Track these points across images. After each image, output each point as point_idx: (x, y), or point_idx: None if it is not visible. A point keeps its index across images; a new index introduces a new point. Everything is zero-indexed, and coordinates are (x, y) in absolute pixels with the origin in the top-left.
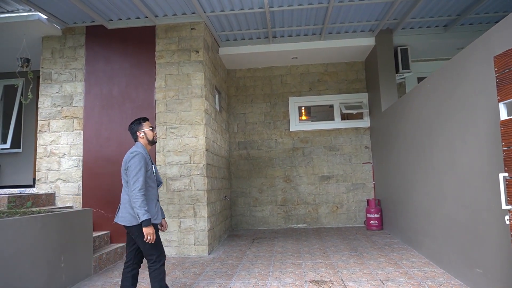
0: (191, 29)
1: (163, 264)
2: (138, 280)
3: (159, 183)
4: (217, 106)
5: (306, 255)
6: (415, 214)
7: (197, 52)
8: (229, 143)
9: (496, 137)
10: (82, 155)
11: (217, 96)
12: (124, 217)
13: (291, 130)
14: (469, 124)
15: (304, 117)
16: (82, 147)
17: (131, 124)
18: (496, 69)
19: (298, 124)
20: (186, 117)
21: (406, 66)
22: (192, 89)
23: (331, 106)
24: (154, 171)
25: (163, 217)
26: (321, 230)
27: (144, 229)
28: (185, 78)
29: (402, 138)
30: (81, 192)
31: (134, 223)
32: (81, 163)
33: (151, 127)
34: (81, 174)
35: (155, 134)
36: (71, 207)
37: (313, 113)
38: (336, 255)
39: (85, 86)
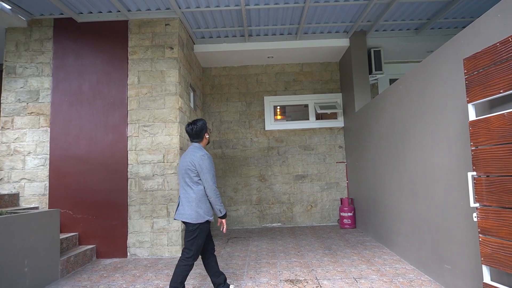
0: (166, 25)
1: (193, 264)
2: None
3: None
4: (192, 104)
5: (281, 255)
6: (387, 212)
7: (172, 48)
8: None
9: (465, 138)
10: (49, 153)
11: (192, 94)
12: (190, 215)
13: (266, 129)
14: (439, 124)
15: (279, 117)
16: (49, 145)
17: (197, 121)
18: (465, 71)
19: (273, 124)
20: (160, 115)
21: (379, 67)
22: (166, 86)
23: (306, 106)
24: None
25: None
26: (295, 229)
27: (223, 220)
28: (159, 75)
29: (376, 138)
30: (47, 192)
31: (200, 221)
32: (47, 162)
33: (209, 129)
34: (48, 174)
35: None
36: (36, 208)
37: (288, 112)
38: (310, 254)
39: (53, 81)
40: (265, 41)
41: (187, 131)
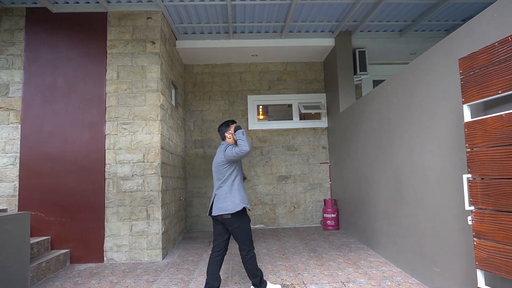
0: (147, 18)
1: (254, 253)
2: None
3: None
4: (173, 102)
5: (265, 258)
6: (373, 214)
7: (153, 43)
8: (185, 141)
9: (457, 139)
10: (19, 151)
11: (173, 91)
12: (227, 206)
13: (249, 129)
14: (430, 126)
15: (261, 116)
16: (19, 142)
17: (220, 125)
18: (461, 71)
19: (256, 123)
20: (140, 112)
21: (363, 68)
22: (147, 82)
23: (290, 106)
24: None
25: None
26: (278, 230)
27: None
28: (140, 70)
29: (361, 139)
30: (17, 194)
31: (238, 209)
32: (17, 161)
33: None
34: (18, 173)
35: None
36: (4, 210)
37: (271, 112)
38: (295, 256)
39: (24, 75)
40: (249, 39)
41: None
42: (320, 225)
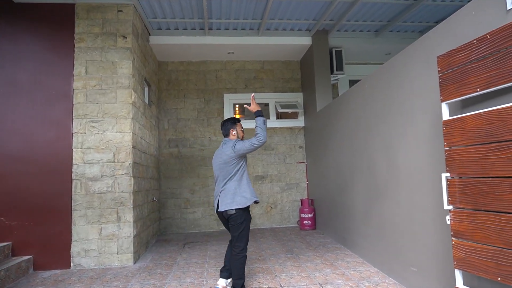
0: (118, 11)
1: (245, 254)
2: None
3: None
4: (146, 100)
5: None
6: (350, 214)
7: (125, 37)
8: (159, 140)
9: (435, 138)
10: None
11: (146, 88)
12: (238, 201)
13: None
14: (407, 124)
15: (237, 115)
16: None
17: (226, 121)
18: (439, 69)
19: None
20: (110, 110)
21: (340, 67)
22: (118, 78)
23: (267, 105)
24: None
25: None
26: (255, 231)
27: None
28: (110, 66)
29: (338, 138)
30: None
31: (249, 203)
32: None
33: (243, 128)
34: None
35: (244, 134)
36: None
37: (247, 111)
38: (272, 258)
39: None
40: (226, 36)
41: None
42: (297, 225)
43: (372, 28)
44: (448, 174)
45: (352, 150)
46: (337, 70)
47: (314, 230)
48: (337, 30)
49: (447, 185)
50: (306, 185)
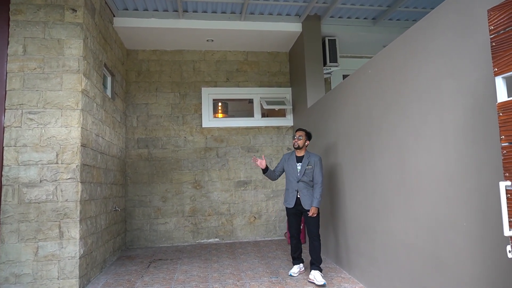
0: None
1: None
2: None
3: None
4: (108, 92)
5: (215, 285)
6: (346, 228)
7: (75, 11)
8: (125, 140)
9: (472, 130)
10: None
11: (109, 78)
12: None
13: (203, 126)
14: (430, 115)
15: (220, 115)
16: None
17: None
18: (491, 27)
19: (212, 120)
20: (54, 99)
21: (334, 59)
22: (65, 60)
23: (251, 101)
24: (298, 169)
25: (312, 205)
26: (235, 245)
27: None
28: (55, 44)
29: (333, 138)
30: None
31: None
32: None
33: (295, 136)
34: None
35: (295, 141)
36: None
37: (231, 110)
38: (253, 283)
39: None
40: (203, 19)
41: None
42: (284, 237)
43: (369, 14)
44: (509, 183)
45: (351, 151)
46: (330, 62)
47: (304, 244)
48: (331, 16)
49: (507, 198)
50: None
